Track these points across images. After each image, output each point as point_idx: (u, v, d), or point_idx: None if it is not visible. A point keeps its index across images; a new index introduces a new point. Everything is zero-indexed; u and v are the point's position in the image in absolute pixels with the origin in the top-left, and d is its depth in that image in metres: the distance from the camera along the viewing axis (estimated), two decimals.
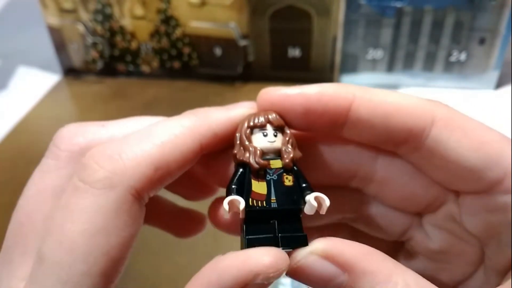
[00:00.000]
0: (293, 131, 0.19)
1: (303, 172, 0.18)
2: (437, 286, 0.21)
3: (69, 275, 0.16)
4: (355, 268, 0.16)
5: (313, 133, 0.20)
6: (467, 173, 0.18)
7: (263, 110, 0.19)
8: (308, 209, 0.18)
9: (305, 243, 0.17)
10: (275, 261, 0.15)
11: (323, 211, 0.17)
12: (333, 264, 0.16)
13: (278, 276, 0.16)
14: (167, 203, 0.25)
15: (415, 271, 0.22)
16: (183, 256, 0.36)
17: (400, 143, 0.19)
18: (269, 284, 0.16)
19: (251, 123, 0.19)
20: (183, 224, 0.25)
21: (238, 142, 0.19)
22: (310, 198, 0.17)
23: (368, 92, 0.18)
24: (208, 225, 0.23)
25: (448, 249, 0.21)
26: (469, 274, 0.21)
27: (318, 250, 0.16)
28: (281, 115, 0.19)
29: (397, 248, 0.23)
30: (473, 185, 0.18)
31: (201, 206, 0.24)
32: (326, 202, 0.17)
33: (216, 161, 0.21)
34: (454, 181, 0.19)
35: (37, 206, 0.19)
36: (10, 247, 0.18)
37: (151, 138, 0.18)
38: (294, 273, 0.17)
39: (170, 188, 0.24)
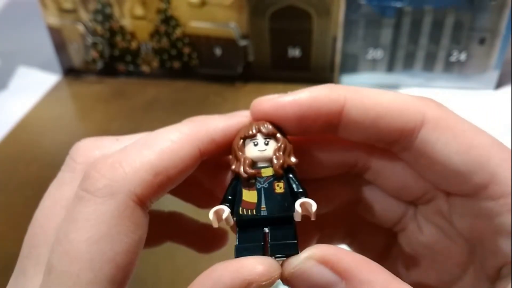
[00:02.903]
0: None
1: (299, 177, 0.18)
2: (427, 285, 0.22)
3: (77, 284, 0.16)
4: (354, 276, 0.15)
5: (308, 136, 0.21)
6: (453, 176, 0.18)
7: (256, 120, 0.19)
8: (295, 216, 0.18)
9: (295, 251, 0.17)
10: (267, 269, 0.16)
11: (313, 217, 0.17)
12: (331, 271, 0.16)
13: (270, 284, 0.16)
14: (189, 220, 0.26)
15: (406, 267, 0.23)
16: (183, 257, 0.36)
17: (391, 142, 0.19)
18: None
19: (242, 134, 0.19)
20: (205, 240, 0.25)
21: (232, 153, 0.19)
22: (296, 204, 0.17)
23: (359, 93, 0.18)
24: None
25: (436, 245, 0.21)
26: (456, 276, 0.21)
27: (316, 256, 0.16)
28: (275, 123, 0.19)
29: (391, 243, 0.24)
30: (459, 188, 0.18)
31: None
32: (313, 207, 0.17)
33: (221, 172, 0.21)
34: (441, 182, 0.19)
35: (51, 217, 0.19)
36: (25, 258, 0.18)
37: (150, 145, 0.18)
38: (291, 278, 0.16)
39: (184, 197, 0.24)
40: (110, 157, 0.18)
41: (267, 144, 0.19)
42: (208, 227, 0.25)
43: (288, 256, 0.17)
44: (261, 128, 0.19)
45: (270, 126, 0.19)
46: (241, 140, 0.19)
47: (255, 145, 0.19)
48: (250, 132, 0.19)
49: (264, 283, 0.16)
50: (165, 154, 0.18)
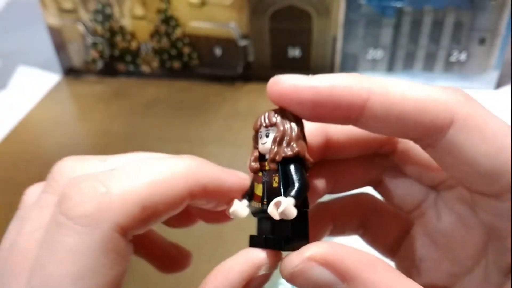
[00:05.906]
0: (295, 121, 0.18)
1: (300, 167, 0.18)
2: (439, 276, 0.22)
3: None
4: (356, 278, 0.15)
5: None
6: (479, 177, 0.17)
7: (272, 100, 0.18)
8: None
9: (279, 247, 0.17)
10: (270, 254, 0.18)
11: (277, 216, 0.17)
12: (332, 272, 0.15)
13: (276, 266, 0.18)
14: (157, 236, 0.25)
15: (419, 257, 0.23)
16: None
17: (415, 139, 0.18)
18: (268, 279, 0.18)
19: (254, 127, 0.19)
20: (169, 259, 0.25)
21: None
22: (270, 205, 0.17)
23: (384, 87, 0.17)
24: (212, 227, 0.23)
25: (453, 233, 0.21)
26: (468, 268, 0.21)
27: (317, 257, 0.16)
28: (288, 106, 0.18)
29: (404, 234, 0.24)
30: (484, 189, 0.18)
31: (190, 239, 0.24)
32: (280, 208, 0.16)
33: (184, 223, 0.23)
34: (466, 181, 0.18)
35: (33, 244, 0.17)
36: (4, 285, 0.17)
37: (141, 175, 0.17)
38: (291, 277, 0.16)
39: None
40: (95, 178, 0.16)
41: (267, 136, 0.18)
42: (174, 246, 0.25)
43: (279, 250, 0.18)
44: (261, 119, 0.18)
45: (268, 115, 0.18)
46: (255, 133, 0.19)
47: (260, 137, 0.18)
48: (256, 126, 0.18)
49: (270, 263, 0.17)
50: (156, 189, 0.17)
